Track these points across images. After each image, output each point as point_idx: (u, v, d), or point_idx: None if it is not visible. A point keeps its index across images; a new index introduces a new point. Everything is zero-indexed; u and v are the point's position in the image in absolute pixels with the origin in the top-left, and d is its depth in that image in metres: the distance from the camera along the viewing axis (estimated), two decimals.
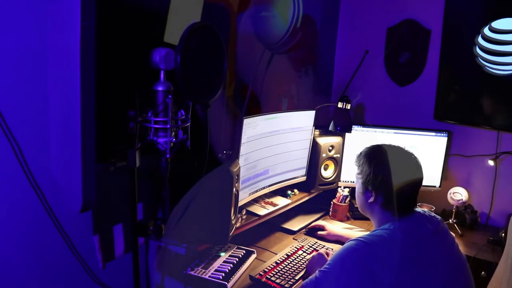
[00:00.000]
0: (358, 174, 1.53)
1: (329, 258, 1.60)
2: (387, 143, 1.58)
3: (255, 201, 1.97)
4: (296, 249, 1.81)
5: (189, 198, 1.40)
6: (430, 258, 1.37)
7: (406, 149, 1.53)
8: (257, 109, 2.18)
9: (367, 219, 2.19)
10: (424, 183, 1.52)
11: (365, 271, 1.32)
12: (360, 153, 1.55)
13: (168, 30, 1.44)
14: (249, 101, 2.09)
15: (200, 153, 1.51)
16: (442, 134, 2.27)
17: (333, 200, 2.21)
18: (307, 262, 1.69)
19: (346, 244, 1.40)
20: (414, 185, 1.46)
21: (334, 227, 1.99)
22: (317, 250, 1.82)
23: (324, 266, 1.40)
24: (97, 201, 1.23)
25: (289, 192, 2.14)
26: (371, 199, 1.47)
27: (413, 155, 1.51)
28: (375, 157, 1.50)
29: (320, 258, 1.63)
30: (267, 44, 2.07)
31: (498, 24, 2.14)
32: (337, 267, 1.36)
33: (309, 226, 2.04)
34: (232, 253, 1.70)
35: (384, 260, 1.31)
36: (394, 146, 1.53)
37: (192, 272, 1.53)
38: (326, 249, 1.82)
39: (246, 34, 2.00)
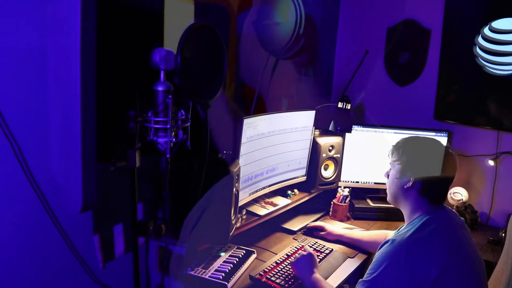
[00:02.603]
0: (396, 160, 1.53)
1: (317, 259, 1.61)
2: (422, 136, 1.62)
3: (255, 201, 1.97)
4: (296, 249, 1.81)
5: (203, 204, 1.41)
6: (467, 248, 1.41)
7: (443, 143, 1.56)
8: (262, 111, 2.19)
9: (367, 219, 2.21)
10: None
11: (413, 271, 1.32)
12: (398, 142, 1.57)
13: (166, 35, 1.44)
14: (249, 100, 2.09)
15: (200, 153, 1.51)
16: (442, 134, 2.27)
17: (333, 200, 2.20)
18: (293, 260, 1.63)
19: (384, 250, 1.38)
20: (449, 177, 1.49)
21: (334, 227, 1.99)
22: (318, 250, 1.82)
23: (367, 278, 1.36)
24: (97, 201, 1.23)
25: (289, 192, 2.14)
26: (409, 184, 1.47)
27: (451, 148, 1.53)
28: (415, 145, 1.53)
29: (310, 260, 1.59)
30: (271, 50, 2.08)
31: (498, 24, 2.14)
32: (383, 276, 1.33)
33: (307, 226, 2.03)
34: (232, 253, 1.70)
35: (430, 251, 1.33)
36: (433, 139, 1.56)
37: (192, 272, 1.53)
38: (314, 249, 1.82)
39: (250, 38, 2.01)
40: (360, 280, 1.39)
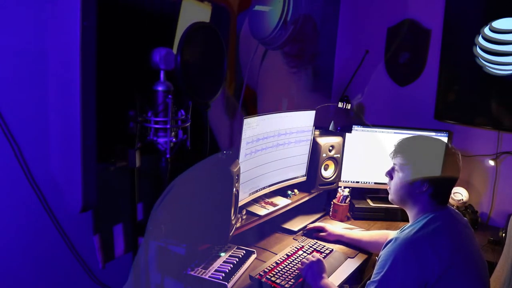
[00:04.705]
0: (406, 164, 1.50)
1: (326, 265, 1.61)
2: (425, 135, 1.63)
3: (255, 201, 1.97)
4: (296, 249, 1.81)
5: (169, 190, 1.38)
6: (470, 247, 1.41)
7: (446, 143, 1.56)
8: (253, 107, 2.18)
9: (367, 219, 2.21)
10: None
11: (419, 267, 1.32)
12: (402, 142, 1.55)
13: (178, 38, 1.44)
14: (247, 100, 2.09)
15: (200, 153, 1.51)
16: (442, 134, 2.27)
17: (333, 200, 2.20)
18: (301, 266, 1.62)
19: (389, 249, 1.38)
20: (456, 177, 1.50)
21: (334, 227, 1.99)
22: (318, 251, 1.82)
23: (375, 278, 1.36)
24: (97, 201, 1.23)
25: (289, 192, 2.13)
26: (422, 189, 1.46)
27: (454, 148, 1.53)
28: (423, 147, 1.53)
29: (319, 266, 1.59)
30: (260, 38, 2.08)
31: (498, 24, 2.14)
32: (390, 274, 1.33)
33: (307, 227, 2.03)
34: (232, 253, 1.70)
35: (435, 248, 1.33)
36: (436, 139, 1.56)
37: (192, 272, 1.53)
38: (314, 249, 1.82)
39: (244, 31, 2.01)
40: (368, 282, 1.38)
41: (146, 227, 1.38)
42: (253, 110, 2.17)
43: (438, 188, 1.46)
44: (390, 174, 1.58)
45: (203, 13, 1.66)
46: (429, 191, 1.46)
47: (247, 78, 2.06)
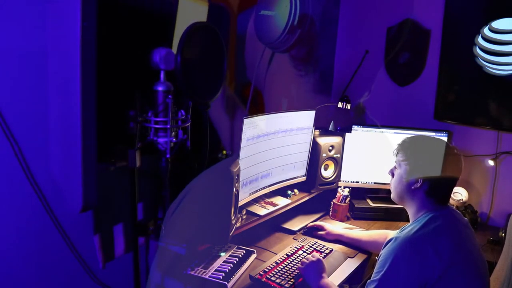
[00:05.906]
0: (403, 160, 1.52)
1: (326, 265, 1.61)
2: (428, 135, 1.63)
3: (255, 201, 1.97)
4: (296, 249, 1.81)
5: (184, 194, 1.40)
6: (470, 246, 1.41)
7: (449, 143, 1.57)
8: (260, 108, 2.19)
9: (367, 219, 2.21)
10: None
11: (420, 266, 1.32)
12: (405, 140, 1.57)
13: (177, 37, 1.44)
14: (252, 100, 2.10)
15: (200, 153, 1.52)
16: (442, 134, 2.27)
17: (333, 200, 2.20)
18: (301, 266, 1.62)
19: (390, 248, 1.38)
20: (455, 178, 1.50)
21: (333, 226, 1.99)
22: (318, 250, 1.82)
23: (375, 277, 1.36)
24: (97, 201, 1.23)
25: (289, 192, 2.13)
26: (417, 185, 1.47)
27: (456, 149, 1.53)
28: (423, 146, 1.54)
29: (319, 266, 1.60)
30: (267, 42, 2.09)
31: (498, 24, 2.14)
32: (390, 273, 1.34)
33: (307, 226, 2.04)
34: (232, 253, 1.70)
35: (435, 247, 1.33)
36: (439, 139, 1.57)
37: (192, 272, 1.53)
38: (314, 249, 1.82)
39: (250, 33, 2.02)
40: (368, 281, 1.39)
41: (161, 231, 1.39)
42: (259, 111, 2.17)
43: (435, 186, 1.46)
44: (392, 172, 1.60)
45: (200, 11, 1.66)
46: (424, 189, 1.47)
47: (255, 80, 2.07)
